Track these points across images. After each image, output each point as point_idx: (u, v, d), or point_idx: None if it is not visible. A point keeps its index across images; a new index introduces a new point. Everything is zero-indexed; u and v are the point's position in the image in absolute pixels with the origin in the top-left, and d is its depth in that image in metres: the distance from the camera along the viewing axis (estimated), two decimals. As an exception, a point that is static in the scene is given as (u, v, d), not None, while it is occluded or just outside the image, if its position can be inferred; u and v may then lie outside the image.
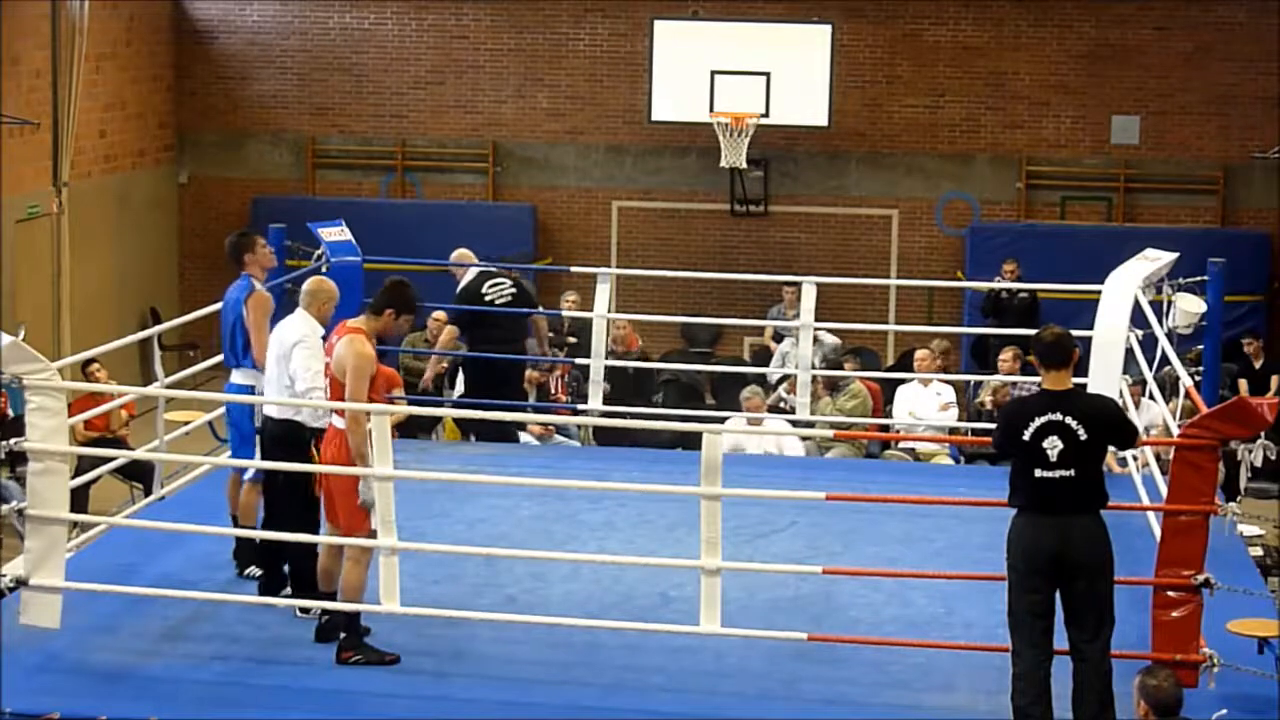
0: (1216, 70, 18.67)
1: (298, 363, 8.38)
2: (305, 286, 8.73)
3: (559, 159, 19.67)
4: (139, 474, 12.49)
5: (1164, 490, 8.17)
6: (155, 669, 7.90)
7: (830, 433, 12.82)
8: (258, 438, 8.80)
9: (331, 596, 8.16)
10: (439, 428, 13.04)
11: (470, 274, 12.63)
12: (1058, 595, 7.17)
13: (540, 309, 13.27)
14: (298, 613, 8.44)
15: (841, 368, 14.01)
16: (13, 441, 7.97)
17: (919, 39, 19.04)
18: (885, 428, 13.45)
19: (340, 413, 7.98)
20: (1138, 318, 10.90)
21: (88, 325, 17.03)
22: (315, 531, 8.35)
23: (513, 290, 12.56)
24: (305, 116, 19.89)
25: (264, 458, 8.63)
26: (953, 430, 13.38)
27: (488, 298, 12.42)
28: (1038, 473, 7.11)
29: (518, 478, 10.16)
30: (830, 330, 14.97)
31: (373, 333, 8.14)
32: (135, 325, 17.55)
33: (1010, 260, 17.18)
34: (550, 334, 15.97)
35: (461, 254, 12.87)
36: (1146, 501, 9.82)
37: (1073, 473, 7.09)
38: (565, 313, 15.23)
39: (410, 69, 19.69)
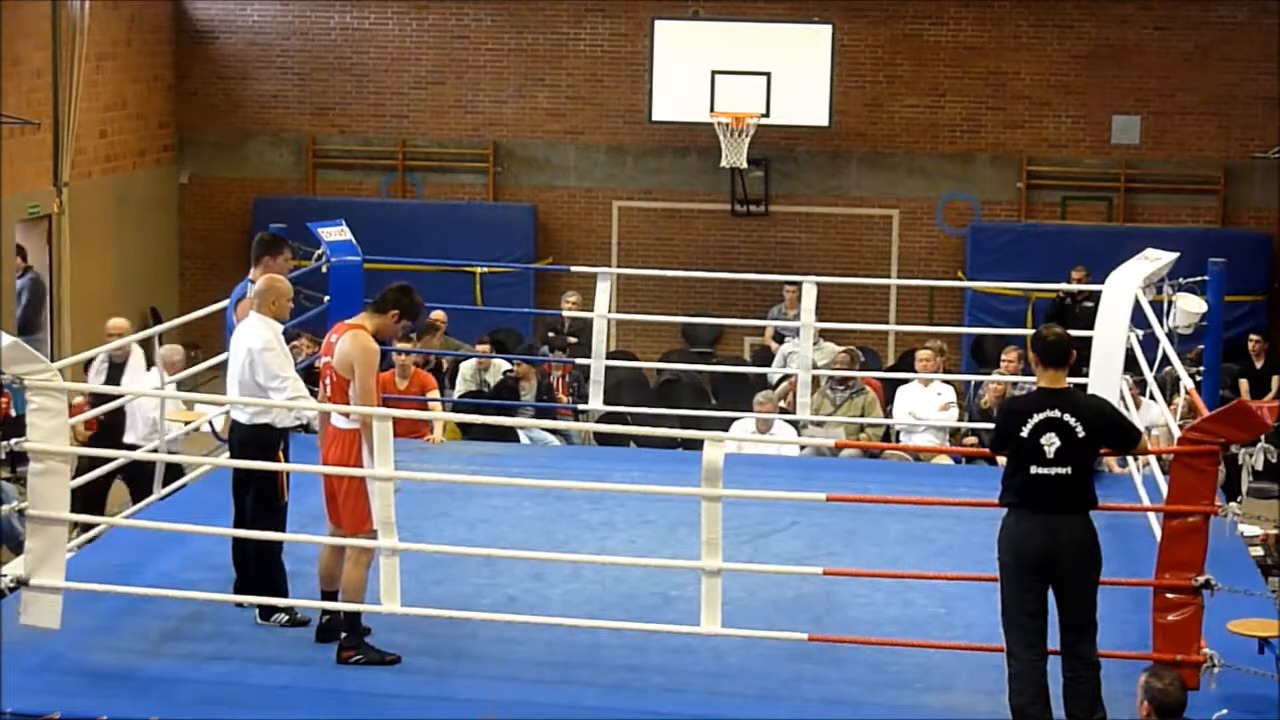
0: (1216, 70, 18.67)
1: (272, 369, 8.30)
2: (256, 287, 8.60)
3: (559, 159, 19.68)
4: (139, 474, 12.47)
5: (1164, 490, 8.16)
6: (155, 669, 7.89)
7: (830, 441, 12.83)
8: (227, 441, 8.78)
9: (332, 596, 8.16)
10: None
11: None
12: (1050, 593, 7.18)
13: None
14: (258, 618, 8.44)
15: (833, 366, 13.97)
16: (13, 441, 7.97)
17: (919, 39, 19.05)
18: (886, 428, 13.47)
19: (345, 414, 7.99)
20: (1138, 318, 10.89)
21: (88, 325, 17.03)
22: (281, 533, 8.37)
23: None
24: (305, 116, 19.89)
25: (233, 459, 8.61)
26: (954, 431, 13.37)
27: None
28: (1033, 469, 7.11)
29: (518, 478, 10.15)
30: (830, 330, 14.97)
31: (373, 330, 8.13)
32: (135, 325, 17.51)
33: (1079, 267, 16.59)
34: (551, 333, 16.07)
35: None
36: (1147, 502, 9.81)
37: (1068, 470, 7.09)
38: (565, 313, 15.24)
39: (411, 69, 19.69)
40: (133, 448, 10.87)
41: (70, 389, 8.33)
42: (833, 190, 19.33)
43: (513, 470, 11.06)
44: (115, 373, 12.17)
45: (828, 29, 18.14)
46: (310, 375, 10.18)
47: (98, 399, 10.95)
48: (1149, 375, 10.66)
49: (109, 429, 11.33)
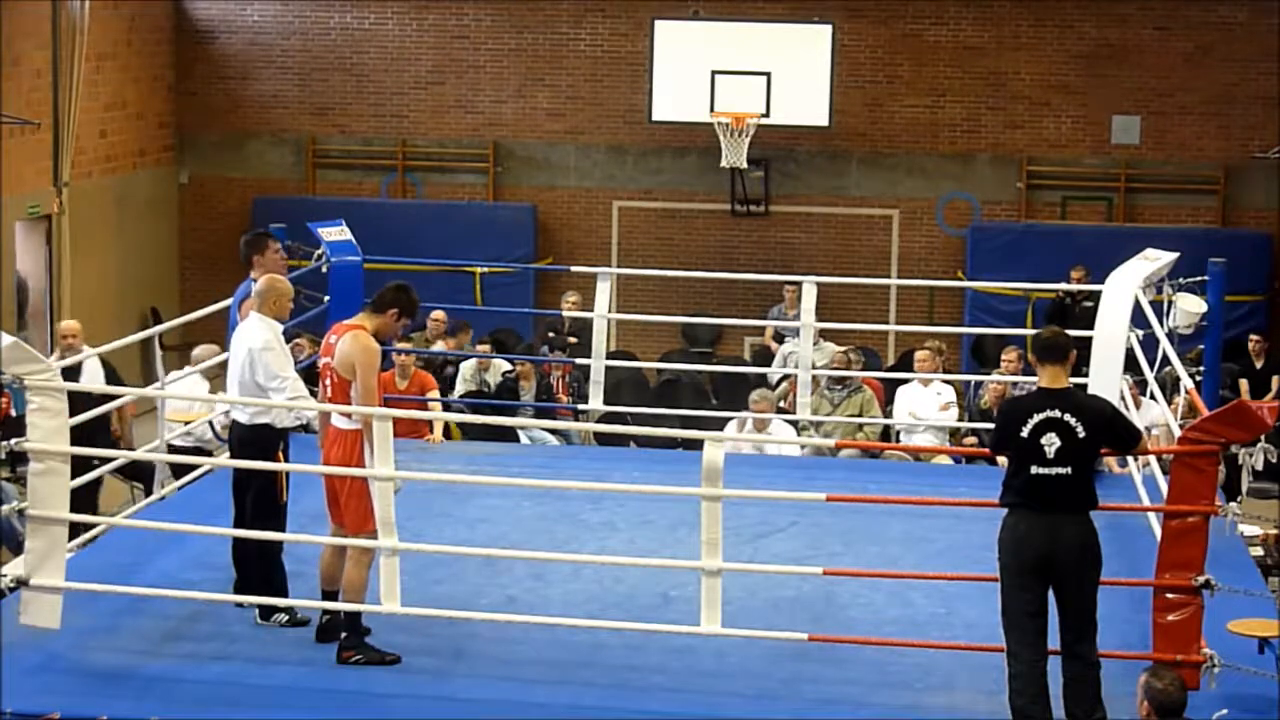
0: (1216, 70, 18.67)
1: (272, 369, 8.29)
2: (256, 287, 8.61)
3: (559, 159, 19.67)
4: (139, 474, 12.48)
5: (1164, 490, 8.16)
6: (155, 669, 7.89)
7: (830, 442, 12.83)
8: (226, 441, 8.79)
9: (333, 596, 8.16)
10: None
11: None
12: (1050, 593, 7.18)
13: None
14: (258, 618, 8.44)
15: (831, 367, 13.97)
16: (13, 441, 7.97)
17: (919, 39, 19.04)
18: (886, 428, 13.47)
19: (346, 414, 7.99)
20: (1138, 318, 10.90)
21: (88, 325, 16.98)
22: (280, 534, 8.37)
23: None
24: (305, 116, 19.89)
25: (233, 459, 8.61)
26: (954, 431, 13.37)
27: None
28: (1034, 469, 7.10)
29: (518, 478, 10.15)
30: (830, 330, 14.96)
31: (373, 330, 8.13)
32: (135, 325, 17.54)
33: (1079, 267, 16.51)
34: (551, 333, 16.08)
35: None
36: (1147, 502, 9.81)
37: (1069, 470, 7.09)
38: (565, 313, 15.24)
39: (411, 69, 19.69)
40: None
41: (70, 389, 8.32)
42: (833, 190, 19.32)
43: (513, 470, 11.07)
44: (69, 378, 11.89)
45: (828, 29, 18.13)
46: (310, 375, 10.18)
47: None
48: (1149, 375, 10.67)
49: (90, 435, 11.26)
